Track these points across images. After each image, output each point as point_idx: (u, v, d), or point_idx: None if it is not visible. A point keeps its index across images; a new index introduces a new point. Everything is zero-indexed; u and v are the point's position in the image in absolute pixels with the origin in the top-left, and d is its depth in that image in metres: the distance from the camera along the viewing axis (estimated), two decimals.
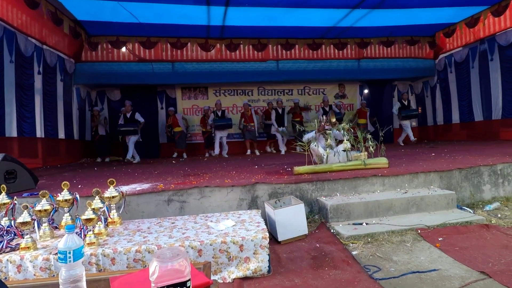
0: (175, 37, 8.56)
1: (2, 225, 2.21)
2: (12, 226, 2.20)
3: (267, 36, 8.87)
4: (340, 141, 4.24)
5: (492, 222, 2.87)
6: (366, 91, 11.08)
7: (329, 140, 4.12)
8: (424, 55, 10.41)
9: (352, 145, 4.05)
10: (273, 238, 2.72)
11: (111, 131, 8.86)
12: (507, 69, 7.55)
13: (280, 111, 8.59)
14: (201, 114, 9.66)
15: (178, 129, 8.80)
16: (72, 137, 8.24)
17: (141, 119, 7.74)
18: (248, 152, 8.32)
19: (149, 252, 1.96)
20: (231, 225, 2.32)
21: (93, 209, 2.21)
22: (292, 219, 2.69)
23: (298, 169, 3.73)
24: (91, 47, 8.45)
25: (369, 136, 4.00)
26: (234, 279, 2.03)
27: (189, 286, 0.86)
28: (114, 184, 2.53)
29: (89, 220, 2.10)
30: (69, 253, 0.96)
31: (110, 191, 2.49)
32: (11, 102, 5.90)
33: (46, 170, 6.07)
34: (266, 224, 2.47)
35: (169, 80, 9.45)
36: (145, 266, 1.92)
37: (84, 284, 0.98)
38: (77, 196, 2.37)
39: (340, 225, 2.93)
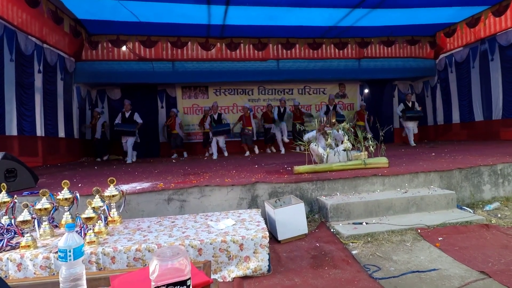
0: (176, 36, 8.56)
1: (2, 224, 2.21)
2: (12, 224, 2.20)
3: (268, 36, 8.87)
4: (341, 142, 4.24)
5: (492, 222, 2.87)
6: (366, 90, 11.07)
7: (329, 140, 4.13)
8: (425, 55, 10.40)
9: (352, 145, 4.05)
10: (273, 237, 2.72)
11: (110, 131, 8.84)
12: (508, 69, 7.55)
13: (282, 110, 8.57)
14: (201, 114, 9.66)
15: (174, 132, 8.84)
16: (72, 136, 8.25)
17: (140, 120, 7.45)
18: (247, 153, 8.27)
19: (149, 251, 1.96)
20: (231, 224, 2.32)
21: (93, 208, 2.21)
22: (292, 219, 2.69)
23: (298, 168, 3.73)
24: (92, 46, 8.45)
25: (369, 135, 4.00)
26: (234, 278, 2.03)
27: (189, 285, 0.86)
28: (114, 183, 2.53)
29: (89, 219, 2.10)
30: (69, 251, 0.96)
31: (110, 190, 2.49)
32: (11, 101, 5.90)
33: (46, 168, 6.08)
34: (266, 223, 2.47)
35: (170, 79, 9.44)
36: (145, 265, 1.92)
37: (84, 282, 0.98)
38: (77, 194, 2.37)
39: (340, 224, 2.93)
